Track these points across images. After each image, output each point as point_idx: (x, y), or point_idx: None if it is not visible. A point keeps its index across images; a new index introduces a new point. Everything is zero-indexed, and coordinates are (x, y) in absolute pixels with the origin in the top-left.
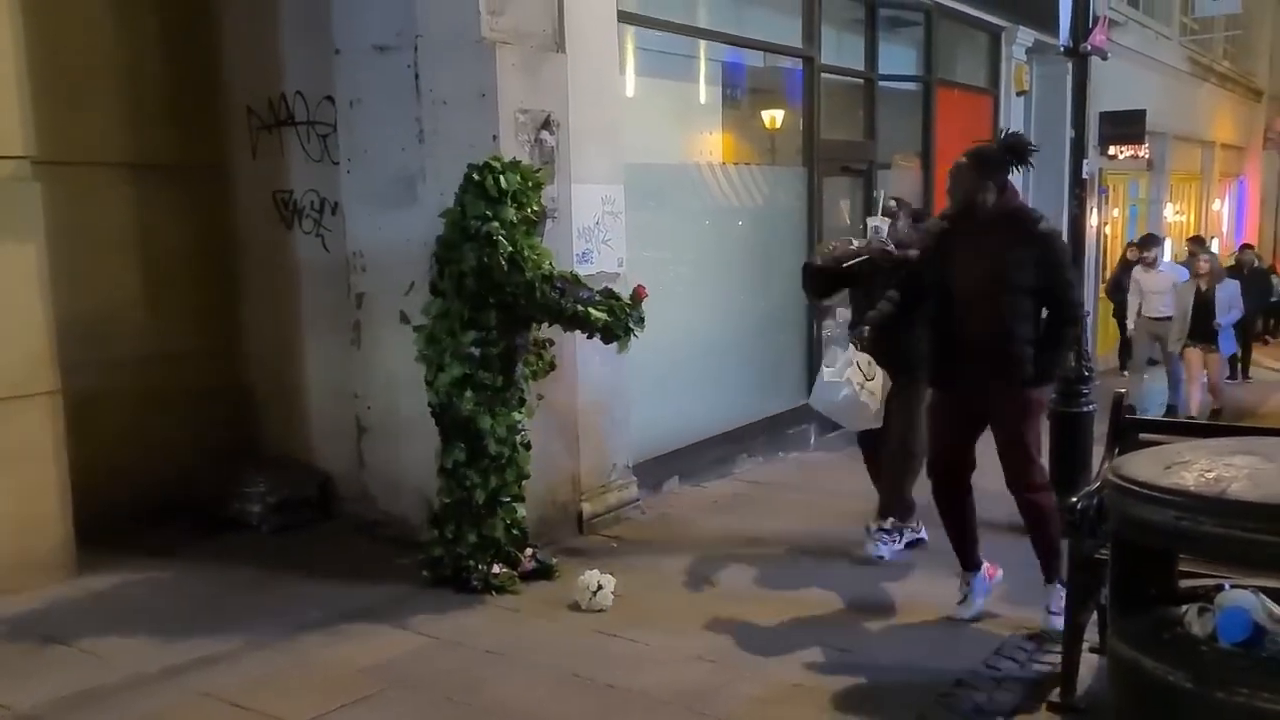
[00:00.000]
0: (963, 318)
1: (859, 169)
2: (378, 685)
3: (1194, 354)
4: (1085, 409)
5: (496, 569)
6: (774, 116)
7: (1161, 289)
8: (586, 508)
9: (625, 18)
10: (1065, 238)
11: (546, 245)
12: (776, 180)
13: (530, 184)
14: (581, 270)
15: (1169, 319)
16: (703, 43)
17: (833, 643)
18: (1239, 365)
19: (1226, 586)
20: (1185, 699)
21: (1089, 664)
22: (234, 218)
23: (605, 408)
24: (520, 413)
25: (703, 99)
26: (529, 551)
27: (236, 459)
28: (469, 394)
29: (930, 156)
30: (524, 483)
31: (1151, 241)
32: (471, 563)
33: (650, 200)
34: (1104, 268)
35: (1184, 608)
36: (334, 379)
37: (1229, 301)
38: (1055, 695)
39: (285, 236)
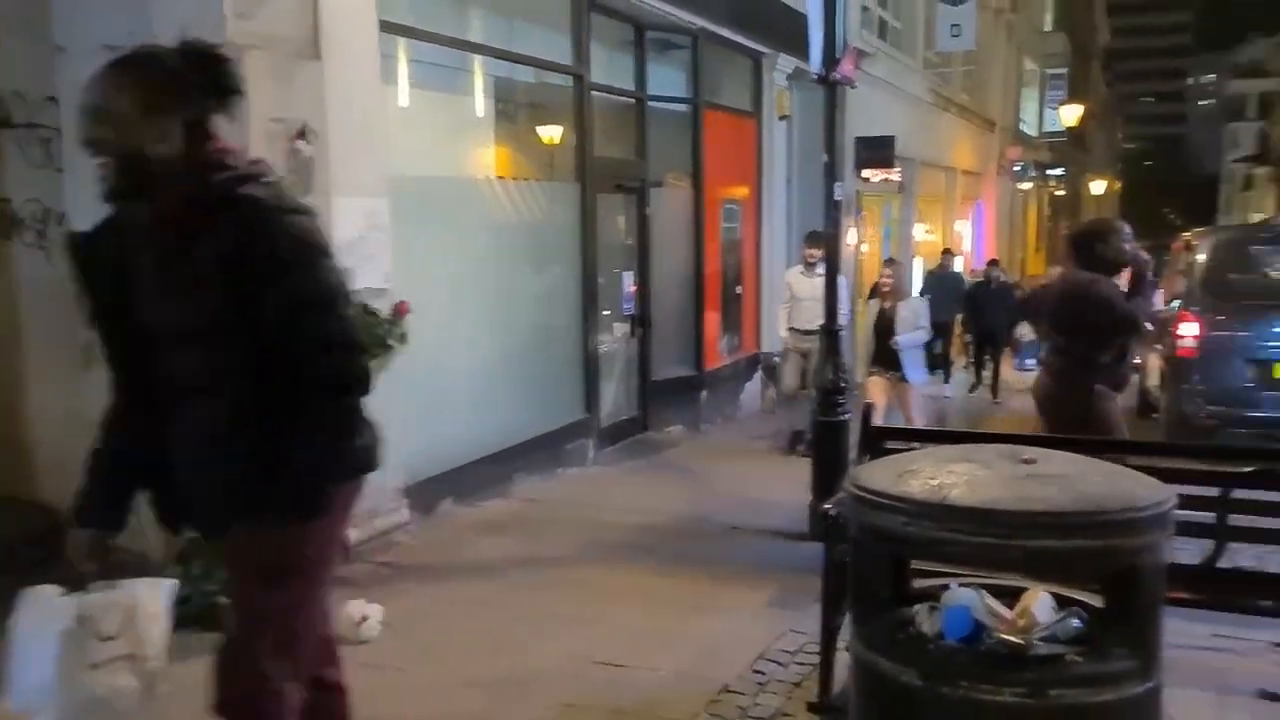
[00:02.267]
0: (164, 394)
1: (632, 186)
2: None
3: (875, 382)
4: (841, 418)
5: None
6: (548, 132)
7: (818, 295)
8: (354, 534)
9: (389, 27)
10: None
11: None
12: (551, 196)
13: None
14: None
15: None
16: (476, 56)
17: (605, 658)
18: (992, 384)
19: (953, 586)
20: (916, 695)
21: (846, 663)
22: None
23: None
24: None
25: (478, 112)
26: None
27: None
28: None
29: (699, 176)
30: None
31: (817, 238)
32: (223, 600)
33: (422, 214)
34: (863, 284)
35: (916, 608)
36: (64, 405)
37: (911, 320)
38: (815, 696)
39: (4, 249)
